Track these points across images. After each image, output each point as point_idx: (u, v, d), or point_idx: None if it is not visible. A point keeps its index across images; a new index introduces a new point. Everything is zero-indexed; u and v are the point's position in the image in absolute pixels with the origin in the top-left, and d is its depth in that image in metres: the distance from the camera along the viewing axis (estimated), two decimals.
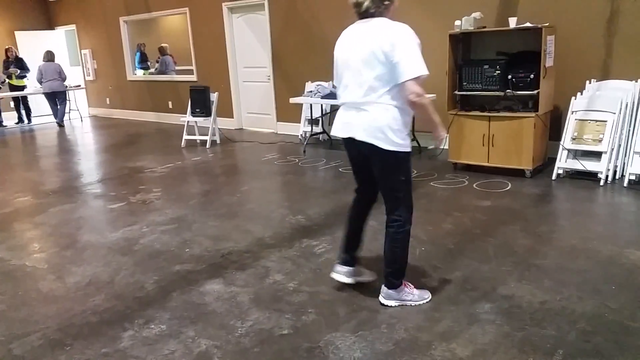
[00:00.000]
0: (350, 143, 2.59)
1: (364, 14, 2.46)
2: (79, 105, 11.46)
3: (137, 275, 3.27)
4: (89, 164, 7.02)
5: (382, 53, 2.34)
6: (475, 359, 2.22)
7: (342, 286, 2.93)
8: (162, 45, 10.99)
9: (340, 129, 2.63)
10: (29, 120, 11.15)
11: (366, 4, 2.41)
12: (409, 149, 2.51)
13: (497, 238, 3.52)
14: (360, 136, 2.49)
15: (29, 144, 8.93)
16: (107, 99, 11.89)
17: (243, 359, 2.32)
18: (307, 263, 3.31)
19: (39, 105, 11.44)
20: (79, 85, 11.75)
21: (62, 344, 2.53)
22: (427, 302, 2.70)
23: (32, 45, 11.71)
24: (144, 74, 11.13)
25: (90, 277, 3.28)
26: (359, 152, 2.58)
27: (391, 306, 2.67)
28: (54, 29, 12.41)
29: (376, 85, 2.41)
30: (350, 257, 2.87)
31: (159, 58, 10.93)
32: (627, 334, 2.34)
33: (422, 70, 2.33)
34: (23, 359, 2.42)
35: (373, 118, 2.45)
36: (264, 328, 2.56)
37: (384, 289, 2.71)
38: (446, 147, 5.68)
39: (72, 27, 11.97)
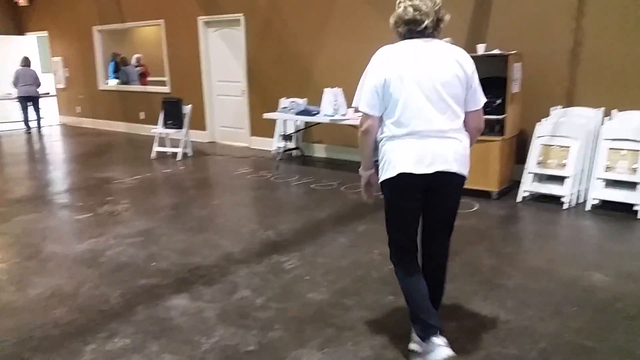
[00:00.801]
0: (421, 180, 2.19)
1: (420, 35, 2.23)
2: (49, 113, 11.22)
3: (101, 288, 3.21)
4: (57, 173, 6.87)
5: (466, 78, 2.20)
6: None
7: (310, 303, 2.94)
8: (121, 55, 10.87)
9: (418, 164, 2.18)
10: None
11: (426, 22, 2.19)
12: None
13: (463, 257, 3.59)
14: (454, 168, 2.20)
15: None
16: (78, 108, 11.69)
17: None
18: (275, 279, 3.31)
19: (6, 112, 11.15)
20: (48, 93, 11.53)
21: (20, 357, 2.46)
22: None
23: (0, 50, 11.45)
24: (117, 83, 11.01)
25: (53, 289, 3.20)
26: (425, 189, 2.23)
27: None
28: (24, 35, 12.18)
29: (458, 111, 2.22)
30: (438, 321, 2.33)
31: (119, 69, 10.84)
32: (585, 353, 2.41)
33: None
34: None
35: (464, 146, 2.24)
36: (229, 344, 2.55)
37: (442, 340, 2.24)
38: None
39: (44, 33, 11.77)
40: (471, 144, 2.34)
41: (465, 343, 2.50)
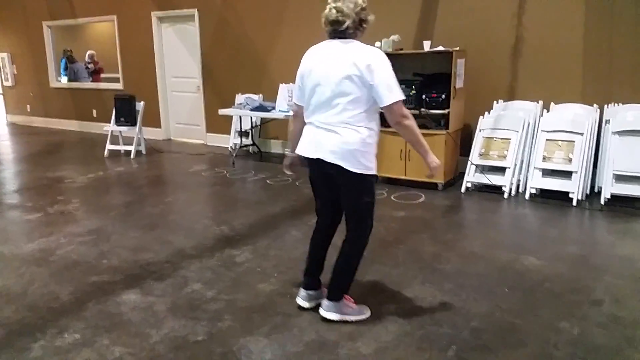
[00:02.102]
0: (315, 164, 2.54)
1: (341, 34, 2.43)
2: None
3: (51, 286, 3.22)
4: (6, 173, 6.71)
5: (361, 77, 2.36)
6: (377, 355, 2.40)
7: (260, 294, 3.05)
8: (69, 52, 10.61)
9: (306, 149, 2.56)
10: None
11: (347, 23, 2.39)
12: (373, 172, 2.53)
13: (407, 245, 3.77)
14: (328, 158, 2.45)
15: None
16: (28, 106, 11.37)
17: None
18: (227, 272, 3.39)
19: None
20: None
21: None
22: (365, 318, 2.70)
23: None
24: (67, 81, 10.76)
25: (0, 289, 3.19)
26: (323, 173, 2.56)
27: (332, 320, 2.66)
28: None
29: (350, 107, 2.40)
30: (312, 281, 2.82)
31: (67, 66, 10.60)
32: (512, 330, 2.61)
33: (400, 95, 2.42)
34: None
35: (343, 140, 2.42)
36: (179, 335, 2.62)
37: (325, 302, 2.70)
38: None
39: None
40: (403, 136, 2.54)
41: (403, 324, 2.66)
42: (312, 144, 2.54)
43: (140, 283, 3.23)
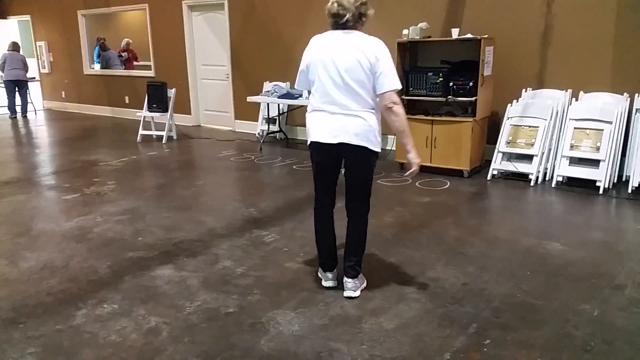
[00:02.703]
0: (332, 149, 2.66)
1: (343, 26, 2.61)
2: (33, 97, 11.26)
3: (90, 261, 3.40)
4: (43, 156, 6.99)
5: (369, 65, 2.54)
6: (399, 330, 2.49)
7: (287, 271, 3.17)
8: (102, 40, 10.88)
9: (327, 135, 2.66)
10: None
11: (347, 16, 2.57)
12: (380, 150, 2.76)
13: (430, 230, 3.84)
14: (354, 141, 2.61)
15: None
16: (63, 93, 11.73)
17: (190, 333, 2.52)
18: (256, 251, 3.53)
19: None
20: (34, 78, 11.54)
21: (16, 322, 2.66)
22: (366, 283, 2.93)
23: None
24: (101, 67, 11.06)
25: (44, 262, 3.39)
26: (337, 157, 2.72)
27: (357, 297, 2.79)
28: (6, 18, 12.13)
29: (363, 93, 2.59)
30: (332, 261, 2.95)
31: (99, 54, 10.88)
32: (532, 310, 2.67)
33: (398, 84, 2.61)
34: None
35: (367, 123, 2.61)
36: (211, 307, 2.77)
37: (349, 282, 2.82)
38: (394, 148, 6.02)
39: (27, 17, 11.74)
40: (390, 123, 2.67)
41: (425, 303, 2.75)
42: (332, 131, 2.65)
43: (174, 259, 3.39)
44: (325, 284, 2.94)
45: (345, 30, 2.63)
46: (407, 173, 2.77)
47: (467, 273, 3.10)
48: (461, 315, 2.63)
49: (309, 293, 2.89)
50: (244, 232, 3.87)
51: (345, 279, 2.86)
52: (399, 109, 2.61)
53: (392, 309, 2.70)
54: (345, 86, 2.60)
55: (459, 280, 3.00)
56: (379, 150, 2.70)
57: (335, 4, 2.60)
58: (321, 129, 2.70)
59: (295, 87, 2.91)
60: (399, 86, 2.61)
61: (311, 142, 2.76)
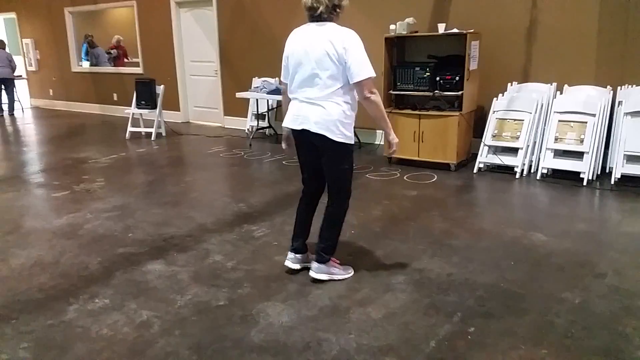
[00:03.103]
0: (301, 135, 2.83)
1: (317, 19, 2.71)
2: (20, 95, 11.18)
3: (81, 257, 3.43)
4: (32, 154, 6.97)
5: (337, 55, 2.63)
6: (386, 319, 2.55)
7: (277, 265, 3.22)
8: (90, 37, 10.83)
9: (293, 121, 2.84)
10: None
11: (321, 9, 2.67)
12: (353, 142, 2.83)
13: (417, 222, 3.90)
14: (313, 128, 2.73)
15: None
16: (50, 90, 11.66)
17: (181, 326, 2.56)
18: (245, 245, 3.57)
19: None
20: (20, 76, 11.45)
21: (8, 318, 2.68)
22: (350, 276, 3.02)
23: None
24: (90, 65, 11.01)
25: (35, 259, 3.41)
26: (309, 143, 2.83)
27: (321, 280, 2.96)
28: None
29: (330, 83, 2.68)
30: (300, 245, 3.08)
31: (87, 51, 10.84)
32: (516, 299, 2.74)
33: (371, 72, 2.68)
34: None
35: (327, 112, 2.70)
36: (202, 300, 2.81)
37: (314, 264, 3.00)
38: (382, 142, 6.08)
39: (12, 14, 11.64)
40: (369, 112, 2.77)
41: (412, 293, 2.81)
42: (298, 117, 2.81)
43: (164, 254, 3.43)
44: (286, 262, 3.10)
45: (319, 23, 2.73)
46: (391, 151, 2.91)
47: (453, 263, 3.17)
48: (446, 304, 2.69)
49: (298, 285, 2.94)
50: (233, 227, 3.91)
51: (312, 261, 3.01)
52: (376, 98, 2.72)
53: (380, 299, 2.76)
54: (315, 76, 2.71)
55: (444, 271, 3.07)
56: (342, 141, 2.75)
57: None
58: (289, 114, 2.89)
59: (281, 79, 2.98)
60: (372, 74, 2.68)
61: (284, 126, 2.95)
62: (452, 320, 2.55)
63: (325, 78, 2.69)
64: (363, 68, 2.65)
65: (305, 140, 2.84)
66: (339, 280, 2.97)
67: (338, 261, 3.07)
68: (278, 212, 4.22)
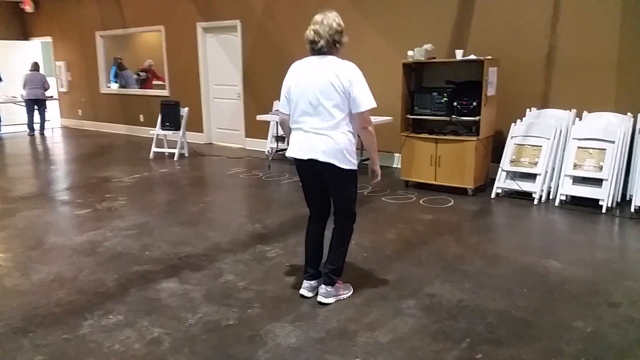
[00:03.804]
0: (307, 164, 2.89)
1: (318, 52, 2.83)
2: (51, 115, 11.57)
3: (98, 274, 3.52)
4: (59, 172, 7.20)
5: (342, 87, 2.74)
6: (393, 344, 2.55)
7: (288, 285, 3.25)
8: (119, 60, 11.21)
9: (298, 151, 2.91)
10: None
11: (321, 43, 2.80)
12: (356, 168, 2.93)
13: (431, 247, 3.90)
14: (322, 158, 2.81)
15: None
16: (80, 111, 12.04)
17: (190, 344, 2.61)
18: (258, 266, 3.61)
19: (10, 115, 11.52)
20: (52, 96, 11.87)
21: (26, 331, 2.77)
22: (351, 293, 3.10)
23: (6, 55, 11.82)
24: (119, 87, 11.37)
25: (54, 275, 3.51)
26: (314, 171, 2.91)
27: (329, 304, 2.98)
28: (29, 40, 12.55)
29: (334, 112, 2.78)
30: (314, 272, 3.12)
31: (116, 73, 11.20)
32: (527, 326, 2.71)
33: (374, 103, 2.80)
34: None
35: (334, 142, 2.80)
36: (212, 319, 2.85)
37: (322, 288, 3.02)
38: (399, 165, 6.10)
39: (48, 39, 12.14)
40: (364, 141, 2.92)
41: (421, 318, 2.81)
42: (304, 147, 2.88)
43: (179, 273, 3.49)
44: (301, 290, 3.11)
45: (320, 56, 2.85)
46: (373, 181, 3.02)
47: (465, 289, 3.15)
48: (455, 330, 2.68)
49: (307, 307, 2.96)
50: (248, 247, 3.97)
51: (321, 285, 3.04)
52: (372, 129, 2.87)
53: (388, 323, 2.76)
54: (319, 107, 2.80)
55: (455, 297, 3.05)
56: (350, 167, 2.85)
57: (312, 32, 2.83)
58: (294, 144, 2.95)
59: (279, 109, 3.07)
60: (374, 105, 2.80)
61: (289, 156, 3.01)
62: (460, 346, 2.53)
63: (330, 108, 2.78)
64: (367, 100, 2.77)
65: (311, 169, 2.91)
66: (345, 299, 3.05)
67: (341, 280, 3.12)
68: (292, 234, 4.26)
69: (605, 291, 3.10)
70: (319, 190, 3.02)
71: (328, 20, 2.81)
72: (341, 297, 3.04)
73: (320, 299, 3.00)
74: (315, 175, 2.95)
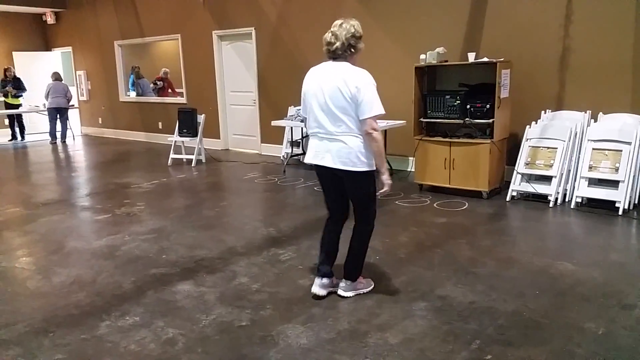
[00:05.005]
0: (324, 169, 2.97)
1: (333, 54, 2.90)
2: (72, 124, 11.84)
3: (116, 277, 3.61)
4: (79, 179, 7.36)
5: (350, 93, 2.80)
6: (403, 345, 2.57)
7: (300, 288, 3.29)
8: (137, 69, 11.43)
9: (314, 157, 3.00)
10: (22, 137, 11.51)
11: (337, 45, 2.85)
12: (374, 168, 2.96)
13: (444, 249, 3.90)
14: (337, 163, 2.89)
15: (22, 160, 9.27)
16: (100, 119, 12.29)
17: (204, 344, 2.66)
18: (271, 268, 3.66)
19: (33, 124, 11.86)
20: (73, 105, 12.14)
21: (46, 331, 2.86)
22: (372, 288, 3.20)
23: (29, 65, 12.16)
24: (136, 95, 11.58)
25: (74, 278, 3.61)
26: (332, 176, 2.98)
27: (349, 297, 3.09)
28: (50, 50, 12.87)
29: (344, 118, 2.84)
30: (327, 270, 3.17)
31: (134, 81, 11.42)
32: (537, 328, 2.71)
33: (381, 109, 2.84)
34: (10, 343, 2.74)
35: (347, 146, 2.86)
36: (225, 320, 2.91)
37: (342, 283, 3.13)
38: (413, 169, 6.11)
39: (69, 49, 12.43)
40: (369, 147, 2.89)
41: (431, 319, 2.83)
42: (319, 153, 2.98)
43: (194, 276, 3.56)
44: (313, 288, 3.16)
45: (335, 62, 2.91)
46: (380, 192, 2.99)
47: (476, 292, 3.16)
48: (465, 331, 2.69)
49: (319, 309, 3.00)
50: (262, 251, 4.02)
51: (341, 280, 3.16)
52: (378, 135, 2.86)
53: (399, 324, 2.78)
54: (330, 112, 2.87)
55: (466, 299, 3.06)
56: (364, 169, 2.90)
57: (330, 34, 2.90)
58: (311, 151, 3.04)
59: (302, 114, 3.17)
60: (381, 112, 2.84)
61: (307, 162, 3.09)
62: (470, 347, 2.54)
63: (339, 113, 2.85)
64: (373, 106, 2.81)
65: (328, 172, 2.98)
66: (365, 293, 3.16)
67: (361, 276, 3.20)
68: (305, 237, 4.30)
69: (619, 293, 3.08)
70: (337, 193, 3.09)
71: (347, 24, 2.88)
72: (361, 291, 3.14)
73: (340, 292, 3.11)
74: (333, 179, 3.02)
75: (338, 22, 2.90)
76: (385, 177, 2.94)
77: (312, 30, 7.67)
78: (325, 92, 2.87)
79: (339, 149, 2.88)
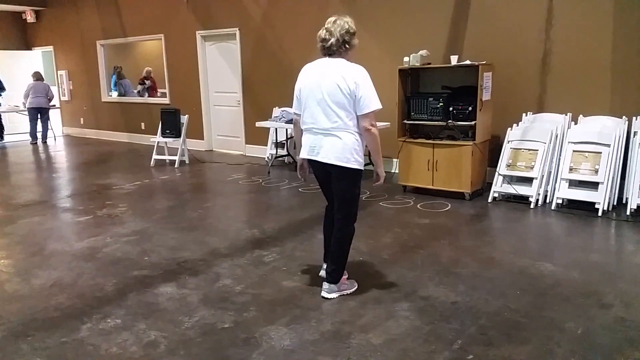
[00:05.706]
0: (318, 164, 3.01)
1: (328, 51, 2.92)
2: (53, 124, 11.67)
3: (97, 279, 3.56)
4: (60, 180, 7.26)
5: (348, 89, 2.83)
6: (386, 345, 2.59)
7: (284, 289, 3.29)
8: (119, 69, 11.34)
9: (309, 152, 3.04)
10: (2, 137, 11.31)
11: (332, 41, 2.89)
12: (362, 168, 3.02)
13: (427, 250, 3.93)
14: (330, 158, 2.93)
15: (1, 161, 9.10)
16: (81, 119, 12.13)
17: (186, 347, 2.64)
18: (255, 270, 3.65)
19: (13, 124, 11.64)
20: (54, 105, 11.97)
21: (25, 335, 2.81)
22: (355, 289, 3.21)
23: (9, 65, 11.95)
24: (118, 95, 11.46)
25: (54, 280, 3.56)
26: (325, 171, 3.03)
27: (332, 298, 3.10)
28: (31, 50, 12.67)
29: (341, 114, 2.88)
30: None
31: (116, 82, 11.33)
32: (518, 328, 2.74)
33: (379, 104, 2.90)
34: None
35: (342, 142, 2.90)
36: (208, 322, 2.89)
37: (326, 285, 3.14)
38: (397, 171, 6.15)
39: (50, 48, 12.25)
40: (367, 143, 2.97)
41: (414, 320, 2.84)
42: (314, 148, 3.01)
43: (177, 278, 3.54)
44: (320, 272, 3.34)
45: (330, 58, 2.95)
46: (376, 184, 3.12)
47: (458, 292, 3.18)
48: (447, 331, 2.71)
49: (302, 310, 3.00)
50: (245, 252, 4.01)
51: (324, 281, 3.18)
52: (376, 131, 2.93)
53: (382, 325, 2.79)
54: (326, 108, 2.90)
55: (449, 299, 3.09)
56: (355, 167, 2.94)
57: (324, 30, 2.93)
58: (305, 146, 3.07)
59: (294, 111, 3.17)
60: (379, 107, 2.89)
61: (301, 157, 3.13)
62: (452, 347, 2.56)
63: (336, 109, 2.88)
64: (371, 101, 2.86)
65: (322, 168, 3.03)
66: (349, 294, 3.16)
67: (345, 277, 3.22)
68: (289, 238, 4.30)
69: (598, 293, 3.13)
70: (330, 186, 3.13)
71: (341, 20, 2.91)
72: (344, 292, 3.15)
73: (323, 293, 3.13)
74: (325, 174, 3.07)
75: (332, 19, 2.94)
76: (381, 170, 3.04)
77: (296, 31, 7.67)
78: (323, 87, 2.89)
79: (333, 144, 2.91)
